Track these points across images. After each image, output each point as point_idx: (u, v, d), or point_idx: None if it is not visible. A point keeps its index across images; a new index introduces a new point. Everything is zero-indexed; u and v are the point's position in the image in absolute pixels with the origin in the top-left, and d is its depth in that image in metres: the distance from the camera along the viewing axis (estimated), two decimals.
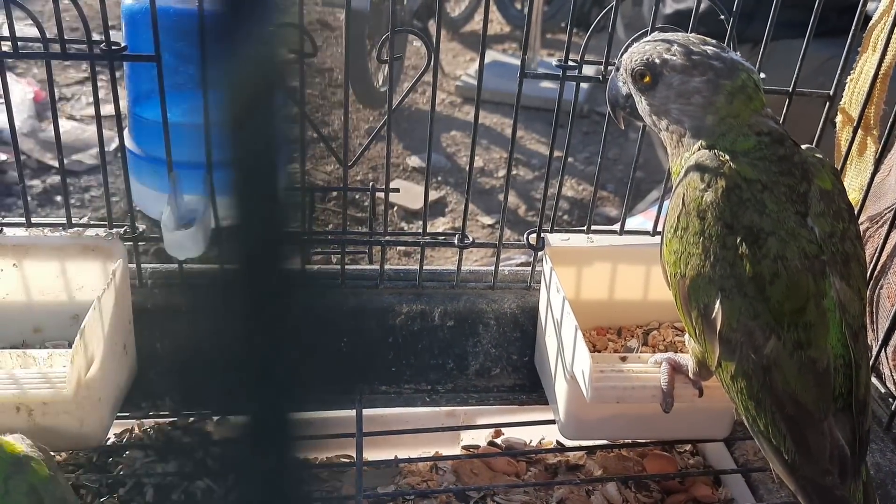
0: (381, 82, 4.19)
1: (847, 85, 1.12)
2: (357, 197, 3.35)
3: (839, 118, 1.14)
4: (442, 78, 4.94)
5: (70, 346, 0.92)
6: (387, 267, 1.23)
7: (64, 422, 0.93)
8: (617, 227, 1.23)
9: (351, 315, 1.20)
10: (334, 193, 3.28)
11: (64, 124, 3.31)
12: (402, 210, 3.28)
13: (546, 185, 1.18)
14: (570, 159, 4.06)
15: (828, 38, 2.34)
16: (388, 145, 1.10)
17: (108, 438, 1.11)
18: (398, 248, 3.03)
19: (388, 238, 1.19)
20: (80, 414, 0.94)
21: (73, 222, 1.09)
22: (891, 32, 1.05)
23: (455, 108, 4.55)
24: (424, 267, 1.22)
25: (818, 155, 0.87)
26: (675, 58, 0.85)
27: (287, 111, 0.31)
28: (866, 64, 1.10)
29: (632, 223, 1.51)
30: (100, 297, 0.97)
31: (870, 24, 1.12)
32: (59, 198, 2.98)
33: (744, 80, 0.83)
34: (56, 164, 3.06)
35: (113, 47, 0.98)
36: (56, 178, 3.06)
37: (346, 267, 1.22)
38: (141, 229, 1.10)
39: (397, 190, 1.19)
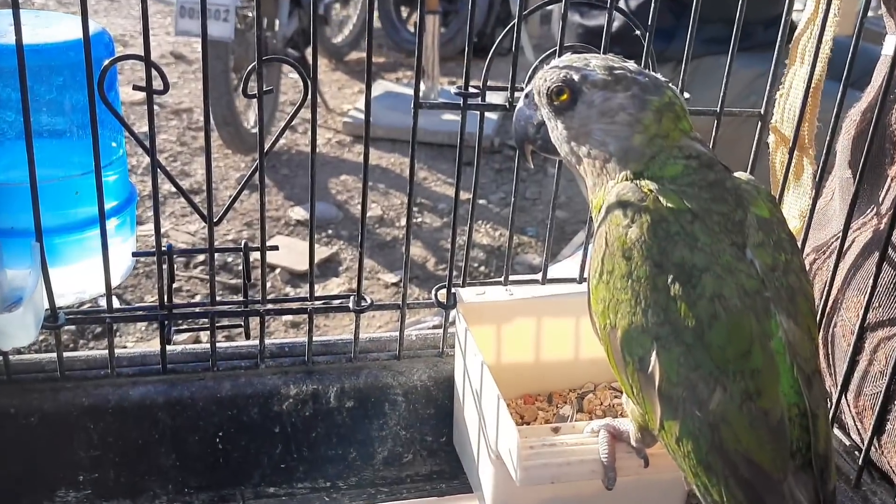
0: (251, 122, 4.19)
1: (776, 101, 1.20)
2: (229, 260, 3.31)
3: (771, 138, 1.21)
4: (326, 114, 4.98)
5: None
6: (269, 342, 1.22)
7: None
8: (539, 276, 1.26)
9: (227, 403, 1.17)
10: (200, 257, 3.24)
11: None
12: (285, 272, 3.26)
13: (454, 231, 1.20)
14: (482, 201, 4.18)
15: (756, 52, 2.52)
16: (261, 195, 1.10)
17: None
18: (282, 318, 2.99)
19: (268, 307, 1.18)
20: None
21: None
22: (819, 42, 1.13)
23: (344, 149, 4.58)
24: (315, 338, 1.21)
25: (752, 181, 0.92)
26: (595, 72, 0.89)
27: None
28: (795, 77, 1.18)
29: (556, 270, 1.55)
30: None
31: (795, 34, 1.20)
32: None
33: (670, 97, 0.88)
34: None
35: None
36: None
37: (219, 345, 1.19)
38: None
39: (276, 248, 1.18)
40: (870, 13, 1.11)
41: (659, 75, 0.92)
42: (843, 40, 1.24)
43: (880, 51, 1.22)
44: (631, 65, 0.90)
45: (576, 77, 0.89)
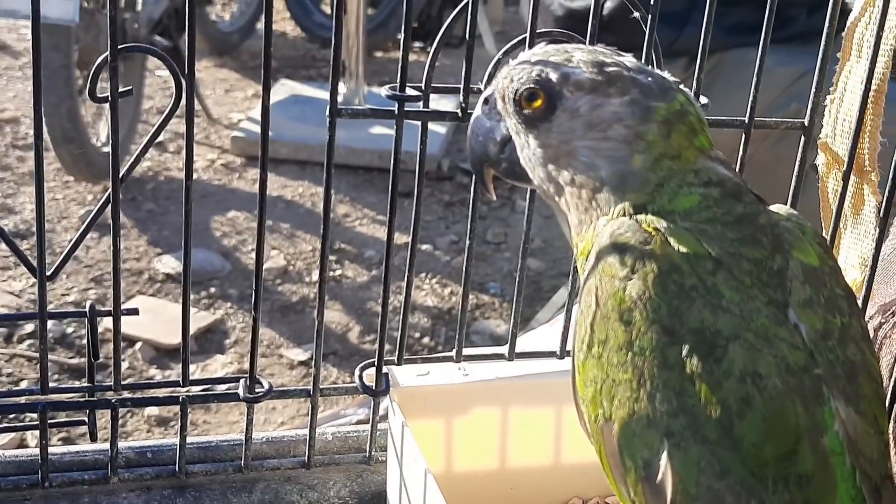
0: (102, 138, 4.16)
1: (826, 109, 1.22)
2: (69, 331, 3.25)
3: (821, 159, 1.24)
4: (208, 126, 4.98)
5: None
6: (125, 444, 1.20)
7: None
8: (505, 349, 1.26)
9: None
10: (28, 326, 3.17)
11: None
12: (148, 347, 3.22)
13: (385, 289, 1.20)
14: (426, 246, 4.18)
15: (798, 45, 2.58)
16: (114, 239, 1.09)
17: None
18: (144, 411, 2.94)
19: (123, 395, 1.16)
20: None
21: None
22: (880, 30, 1.16)
23: (233, 174, 4.58)
24: (191, 439, 1.20)
25: (795, 216, 0.94)
26: (580, 70, 0.90)
27: None
28: (850, 77, 1.21)
29: (529, 341, 1.55)
30: None
31: (849, 22, 1.23)
32: None
33: (682, 104, 0.90)
34: None
35: None
36: None
37: (53, 450, 1.17)
38: None
39: (136, 312, 1.17)
40: None
41: (666, 74, 0.93)
42: None
43: None
44: (628, 60, 0.92)
45: (553, 76, 0.90)
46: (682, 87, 0.92)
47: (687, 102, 0.91)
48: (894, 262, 1.27)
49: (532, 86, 0.91)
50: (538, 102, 0.91)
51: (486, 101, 0.98)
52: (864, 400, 0.87)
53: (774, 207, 0.94)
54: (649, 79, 0.90)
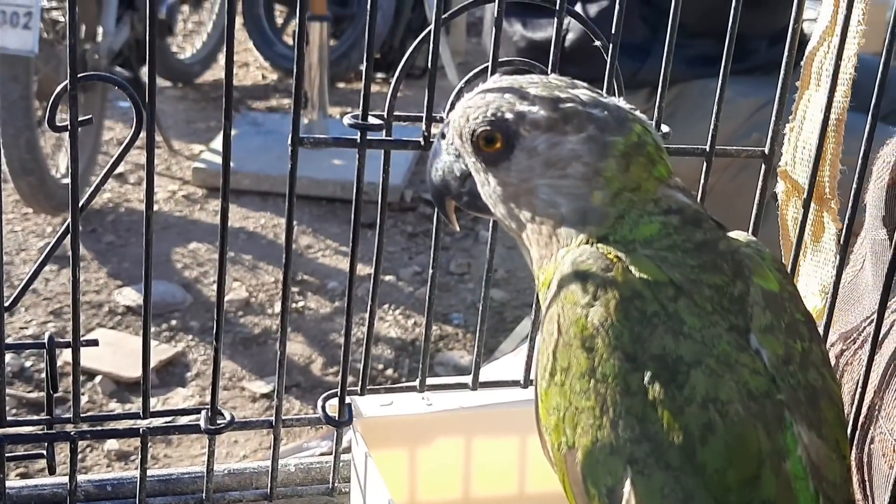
0: (61, 170, 4.14)
1: (786, 137, 1.24)
2: (27, 364, 3.23)
3: (781, 187, 1.25)
4: (169, 158, 4.96)
5: None
6: (84, 478, 1.19)
7: None
8: (469, 378, 1.26)
9: None
10: None
11: None
12: (109, 380, 3.19)
13: (348, 320, 1.20)
14: (389, 277, 4.17)
15: (759, 76, 2.61)
16: (73, 271, 1.08)
17: None
18: (104, 444, 2.90)
19: (83, 428, 1.15)
20: None
21: None
22: (838, 58, 1.17)
23: (194, 206, 4.56)
24: (152, 472, 1.19)
25: (754, 242, 0.94)
26: (535, 108, 0.90)
27: None
28: (810, 105, 1.22)
29: (493, 371, 1.55)
30: None
31: (808, 50, 1.25)
32: None
33: (639, 135, 0.91)
34: None
35: None
36: None
37: (10, 484, 1.16)
38: None
39: (95, 343, 1.16)
40: None
41: (622, 101, 0.94)
42: (870, 59, 1.28)
43: None
44: (582, 91, 0.92)
45: (509, 116, 0.91)
46: (637, 113, 0.93)
47: (644, 132, 0.91)
48: (854, 289, 1.29)
49: (488, 128, 0.91)
50: (497, 144, 0.91)
51: (443, 135, 0.98)
52: (827, 424, 0.88)
53: (734, 234, 0.95)
54: (605, 112, 0.90)
